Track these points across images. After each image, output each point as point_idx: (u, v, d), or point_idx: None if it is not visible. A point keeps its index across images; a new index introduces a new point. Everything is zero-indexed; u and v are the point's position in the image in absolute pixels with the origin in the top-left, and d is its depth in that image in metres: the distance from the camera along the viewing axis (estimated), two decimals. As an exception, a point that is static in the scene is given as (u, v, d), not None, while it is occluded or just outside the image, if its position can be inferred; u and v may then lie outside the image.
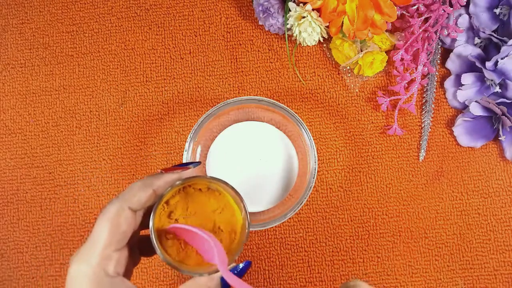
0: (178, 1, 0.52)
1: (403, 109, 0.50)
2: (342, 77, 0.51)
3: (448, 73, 0.50)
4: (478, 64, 0.46)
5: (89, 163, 0.50)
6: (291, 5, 0.46)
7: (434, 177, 0.49)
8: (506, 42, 0.46)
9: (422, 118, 0.50)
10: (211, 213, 0.32)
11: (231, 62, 0.51)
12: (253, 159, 0.47)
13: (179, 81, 0.51)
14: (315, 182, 0.49)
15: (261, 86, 0.51)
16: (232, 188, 0.32)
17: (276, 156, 0.48)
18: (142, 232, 0.32)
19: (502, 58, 0.46)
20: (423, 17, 0.47)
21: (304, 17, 0.46)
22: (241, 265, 0.31)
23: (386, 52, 0.49)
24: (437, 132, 0.50)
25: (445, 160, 0.49)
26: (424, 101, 0.50)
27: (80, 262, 0.27)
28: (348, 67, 0.50)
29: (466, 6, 0.48)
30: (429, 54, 0.49)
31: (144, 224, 0.31)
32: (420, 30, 0.47)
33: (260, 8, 0.48)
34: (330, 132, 0.50)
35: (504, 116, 0.45)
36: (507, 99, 0.46)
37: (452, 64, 0.49)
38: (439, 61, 0.50)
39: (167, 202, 0.32)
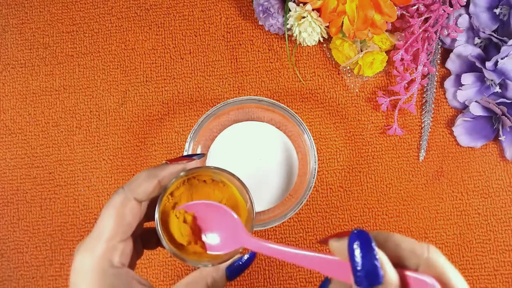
0: (178, 1, 0.52)
1: (403, 109, 0.50)
2: (342, 77, 0.51)
3: (448, 73, 0.50)
4: (478, 64, 0.46)
5: (89, 163, 0.50)
6: (291, 5, 0.46)
7: (434, 177, 0.49)
8: (506, 42, 0.46)
9: (422, 118, 0.50)
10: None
11: (231, 62, 0.51)
12: (253, 159, 0.47)
13: (179, 81, 0.51)
14: (315, 182, 0.49)
15: (261, 86, 0.51)
16: (238, 179, 0.32)
17: (276, 156, 0.48)
18: (146, 225, 0.32)
19: (502, 58, 0.46)
20: (423, 17, 0.47)
21: (304, 17, 0.46)
22: (246, 256, 0.31)
23: (386, 52, 0.49)
24: (437, 132, 0.50)
25: (445, 160, 0.49)
26: (424, 101, 0.50)
27: (85, 253, 0.27)
28: (348, 67, 0.50)
29: (466, 6, 0.48)
30: (429, 54, 0.49)
31: (148, 216, 0.31)
32: (420, 30, 0.47)
33: (260, 8, 0.48)
34: (330, 132, 0.50)
35: (504, 116, 0.45)
36: (507, 99, 0.46)
37: (452, 64, 0.49)
38: (439, 61, 0.50)
39: (171, 194, 0.31)
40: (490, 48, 0.48)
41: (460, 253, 0.48)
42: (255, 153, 0.48)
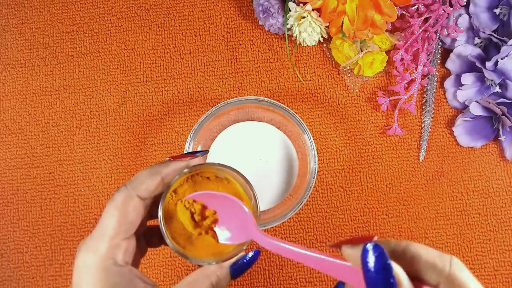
0: (178, 1, 0.52)
1: (403, 109, 0.50)
2: (342, 77, 0.51)
3: (448, 73, 0.50)
4: (478, 64, 0.46)
5: (89, 163, 0.50)
6: (291, 5, 0.46)
7: (434, 177, 0.49)
8: (506, 42, 0.46)
9: (422, 118, 0.50)
10: None
11: (231, 62, 0.51)
12: (253, 159, 0.47)
13: (179, 81, 0.51)
14: (315, 182, 0.49)
15: (261, 86, 0.51)
16: (242, 175, 0.32)
17: (276, 156, 0.48)
18: (150, 222, 0.32)
19: (502, 58, 0.46)
20: (423, 17, 0.47)
21: (304, 17, 0.46)
22: (250, 254, 0.31)
23: (386, 52, 0.49)
24: (437, 132, 0.50)
25: (445, 160, 0.49)
26: (424, 101, 0.50)
27: (88, 251, 0.27)
28: (348, 67, 0.50)
29: (466, 6, 0.48)
30: (429, 54, 0.49)
31: (152, 213, 0.30)
32: (420, 30, 0.47)
33: (260, 8, 0.48)
34: (330, 132, 0.50)
35: (504, 116, 0.45)
36: (507, 99, 0.46)
37: (452, 64, 0.49)
38: (439, 61, 0.50)
39: (175, 191, 0.31)
40: (490, 48, 0.48)
41: (460, 253, 0.48)
42: (255, 153, 0.48)
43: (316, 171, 0.44)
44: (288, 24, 0.48)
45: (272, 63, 0.51)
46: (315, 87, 0.51)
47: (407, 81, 0.48)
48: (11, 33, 0.52)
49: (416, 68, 0.48)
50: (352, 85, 0.50)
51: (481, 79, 0.47)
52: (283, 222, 0.48)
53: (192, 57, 0.52)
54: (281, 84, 0.51)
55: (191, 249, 0.31)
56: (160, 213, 0.29)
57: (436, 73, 0.50)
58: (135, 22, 0.52)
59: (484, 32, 0.47)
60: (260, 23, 0.49)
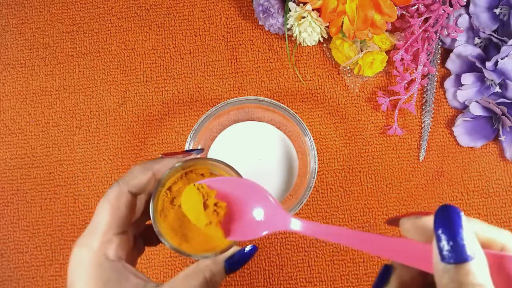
0: (178, 1, 0.52)
1: (403, 109, 0.50)
2: (342, 77, 0.51)
3: (448, 73, 0.50)
4: (478, 64, 0.46)
5: (89, 163, 0.50)
6: (291, 5, 0.46)
7: (434, 177, 0.49)
8: (506, 42, 0.46)
9: (422, 118, 0.50)
10: None
11: (231, 62, 0.51)
12: (253, 159, 0.47)
13: (179, 81, 0.51)
14: (315, 182, 0.49)
15: (261, 86, 0.51)
16: (235, 171, 0.31)
17: (276, 156, 0.48)
18: (149, 222, 0.32)
19: (502, 58, 0.46)
20: (423, 17, 0.47)
21: (304, 17, 0.46)
22: (247, 248, 0.30)
23: (386, 52, 0.49)
24: (437, 132, 0.50)
25: (445, 160, 0.49)
26: (424, 101, 0.50)
27: (82, 246, 0.27)
28: (348, 67, 0.50)
29: (466, 6, 0.48)
30: (429, 54, 0.49)
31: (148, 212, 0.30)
32: (420, 30, 0.47)
33: (260, 8, 0.48)
34: (330, 132, 0.50)
35: (504, 116, 0.45)
36: (507, 99, 0.46)
37: (452, 64, 0.49)
38: (439, 61, 0.50)
39: (169, 189, 0.31)
40: (490, 48, 0.48)
41: (460, 253, 0.48)
42: (255, 153, 0.48)
43: (316, 171, 0.44)
44: (288, 24, 0.48)
45: (272, 63, 0.51)
46: (315, 87, 0.51)
47: (407, 81, 0.48)
48: (11, 33, 0.52)
49: (416, 68, 0.48)
50: (352, 85, 0.50)
51: (481, 79, 0.47)
52: (283, 222, 0.48)
53: (192, 57, 0.52)
54: (281, 84, 0.51)
55: (186, 245, 0.30)
56: (151, 207, 0.29)
57: (436, 73, 0.50)
58: (135, 22, 0.52)
59: (484, 32, 0.47)
60: (260, 23, 0.49)
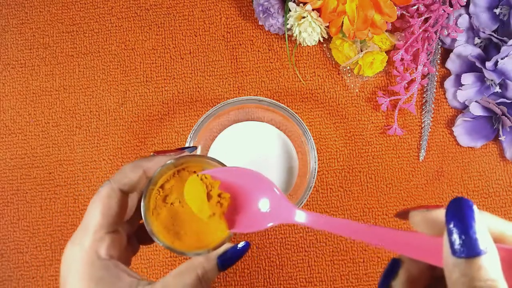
0: (178, 1, 0.52)
1: (403, 109, 0.50)
2: (342, 77, 0.51)
3: (448, 73, 0.50)
4: (478, 64, 0.46)
5: (89, 163, 0.50)
6: (291, 5, 0.46)
7: (434, 177, 0.49)
8: (506, 42, 0.46)
9: (422, 118, 0.50)
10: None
11: (231, 62, 0.51)
12: (253, 159, 0.47)
13: (179, 81, 0.51)
14: (315, 182, 0.49)
15: (261, 86, 0.51)
16: (222, 164, 0.31)
17: (276, 156, 0.48)
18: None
19: (502, 58, 0.46)
20: (423, 17, 0.47)
21: (304, 17, 0.46)
22: (240, 245, 0.30)
23: (386, 52, 0.49)
24: (437, 132, 0.50)
25: (445, 160, 0.49)
26: (424, 101, 0.50)
27: (74, 244, 0.27)
28: (348, 67, 0.50)
29: (466, 6, 0.48)
30: (429, 54, 0.49)
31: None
32: (420, 30, 0.47)
33: (260, 8, 0.48)
34: (330, 132, 0.50)
35: (504, 116, 0.45)
36: (507, 99, 0.46)
37: (452, 64, 0.49)
38: (439, 61, 0.50)
39: (162, 187, 0.31)
40: (490, 48, 0.48)
41: (460, 253, 0.48)
42: (255, 153, 0.48)
43: (316, 171, 0.44)
44: (288, 24, 0.48)
45: (272, 63, 0.51)
46: (315, 87, 0.51)
47: (407, 81, 0.48)
48: (11, 33, 0.52)
49: (416, 68, 0.48)
50: (352, 85, 0.50)
51: (481, 79, 0.47)
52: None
53: (192, 57, 0.52)
54: (281, 84, 0.51)
55: (179, 243, 0.30)
56: (142, 205, 0.29)
57: (436, 73, 0.50)
58: (135, 22, 0.52)
59: (484, 32, 0.47)
60: (260, 23, 0.49)
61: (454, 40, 0.49)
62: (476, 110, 0.47)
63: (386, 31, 0.48)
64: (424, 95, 0.50)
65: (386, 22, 0.44)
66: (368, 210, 0.49)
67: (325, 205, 0.49)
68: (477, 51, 0.48)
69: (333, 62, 0.51)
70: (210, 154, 0.48)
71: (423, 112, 0.50)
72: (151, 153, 0.31)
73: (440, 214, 0.22)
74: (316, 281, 0.48)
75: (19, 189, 0.50)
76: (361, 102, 0.50)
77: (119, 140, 0.50)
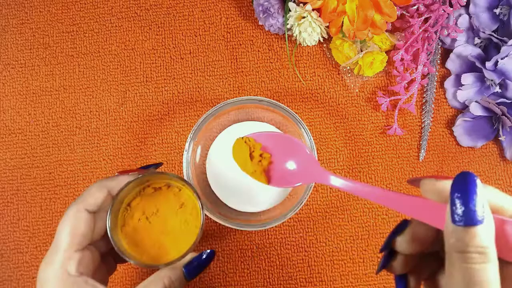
0: (178, 1, 0.52)
1: (403, 109, 0.50)
2: (342, 77, 0.51)
3: (448, 73, 0.50)
4: (478, 64, 0.46)
5: (89, 163, 0.50)
6: (291, 5, 0.46)
7: (434, 177, 0.49)
8: (506, 42, 0.46)
9: (422, 118, 0.50)
10: (173, 210, 0.34)
11: (231, 62, 0.51)
12: (253, 159, 0.47)
13: (179, 81, 0.51)
14: (315, 182, 0.49)
15: (261, 86, 0.51)
16: (189, 184, 0.33)
17: (276, 156, 0.47)
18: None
19: (502, 58, 0.46)
20: (423, 17, 0.47)
21: (304, 17, 0.46)
22: (204, 254, 0.32)
23: (386, 52, 0.49)
24: (437, 132, 0.50)
25: (445, 160, 0.49)
26: (424, 101, 0.50)
27: (46, 264, 0.29)
28: (348, 67, 0.50)
29: (466, 6, 0.48)
30: (429, 54, 0.49)
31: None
32: (420, 30, 0.47)
33: (260, 8, 0.48)
34: (330, 132, 0.50)
35: (504, 116, 0.45)
36: (507, 99, 0.46)
37: (452, 64, 0.49)
38: (439, 61, 0.50)
39: (129, 204, 0.33)
40: (490, 48, 0.48)
41: (460, 253, 0.48)
42: (255, 153, 0.47)
43: (316, 171, 0.44)
44: (288, 24, 0.48)
45: (272, 63, 0.51)
46: (315, 87, 0.51)
47: (407, 81, 0.48)
48: (11, 33, 0.52)
49: (416, 68, 0.48)
50: (352, 85, 0.50)
51: (481, 79, 0.47)
52: (283, 222, 0.48)
53: (192, 57, 0.52)
54: (281, 84, 0.51)
55: (147, 257, 0.32)
56: (107, 223, 0.31)
57: (436, 73, 0.50)
58: (135, 22, 0.52)
59: (484, 32, 0.47)
60: (260, 23, 0.49)
61: (454, 40, 0.49)
62: (476, 110, 0.47)
63: (386, 31, 0.48)
64: (424, 95, 0.50)
65: (386, 22, 0.44)
66: (368, 210, 0.49)
67: (325, 205, 0.49)
68: (477, 51, 0.48)
69: (333, 62, 0.51)
70: (210, 154, 0.48)
71: (423, 112, 0.50)
72: (115, 173, 0.33)
73: (447, 184, 0.24)
74: (316, 281, 0.48)
75: (19, 189, 0.50)
76: (361, 102, 0.50)
77: (119, 140, 0.50)
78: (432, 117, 0.50)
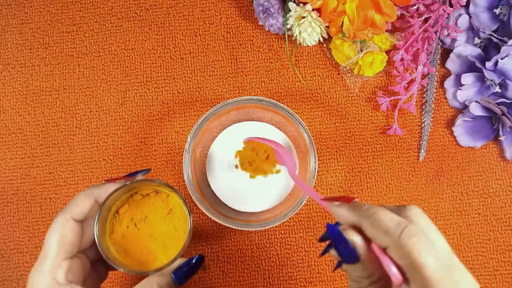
0: (178, 1, 0.52)
1: (403, 109, 0.50)
2: (342, 77, 0.51)
3: (448, 73, 0.50)
4: (478, 64, 0.46)
5: (89, 163, 0.50)
6: (291, 5, 0.46)
7: (434, 177, 0.49)
8: (506, 42, 0.46)
9: (422, 118, 0.50)
10: (161, 216, 0.34)
11: (231, 62, 0.51)
12: (253, 159, 0.47)
13: (179, 81, 0.51)
14: (315, 182, 0.49)
15: (261, 86, 0.51)
16: (176, 191, 0.33)
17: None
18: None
19: (502, 58, 0.46)
20: (423, 17, 0.47)
21: (304, 17, 0.46)
22: (194, 259, 0.33)
23: (386, 52, 0.49)
24: (437, 132, 0.50)
25: (445, 160, 0.49)
26: (424, 101, 0.50)
27: (35, 272, 0.29)
28: (348, 67, 0.50)
29: (466, 6, 0.48)
30: (429, 54, 0.49)
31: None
32: (420, 30, 0.47)
33: (260, 8, 0.48)
34: (330, 132, 0.50)
35: (504, 116, 0.45)
36: (507, 99, 0.46)
37: (452, 64, 0.49)
38: (439, 61, 0.50)
39: (117, 212, 0.33)
40: (490, 48, 0.48)
41: (460, 253, 0.48)
42: (255, 153, 0.48)
43: (316, 171, 0.44)
44: (288, 24, 0.48)
45: (272, 63, 0.51)
46: (315, 87, 0.51)
47: (407, 81, 0.48)
48: (11, 33, 0.52)
49: (416, 68, 0.48)
50: (352, 85, 0.50)
51: (481, 79, 0.47)
52: (283, 222, 0.48)
53: (192, 57, 0.52)
54: (281, 84, 0.51)
55: (136, 264, 0.32)
56: (95, 231, 0.31)
57: (436, 73, 0.50)
58: (135, 22, 0.52)
59: (484, 32, 0.47)
60: (260, 23, 0.49)
61: (454, 40, 0.49)
62: (476, 110, 0.46)
63: (386, 31, 0.48)
64: (424, 95, 0.50)
65: (386, 22, 0.44)
66: (368, 210, 0.49)
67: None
68: (477, 51, 0.48)
69: (333, 62, 0.51)
70: (210, 154, 0.48)
71: (423, 112, 0.50)
72: (102, 181, 0.33)
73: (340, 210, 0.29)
74: (316, 281, 0.48)
75: (19, 189, 0.50)
76: (361, 102, 0.50)
77: (119, 140, 0.50)
78: (432, 117, 0.50)
